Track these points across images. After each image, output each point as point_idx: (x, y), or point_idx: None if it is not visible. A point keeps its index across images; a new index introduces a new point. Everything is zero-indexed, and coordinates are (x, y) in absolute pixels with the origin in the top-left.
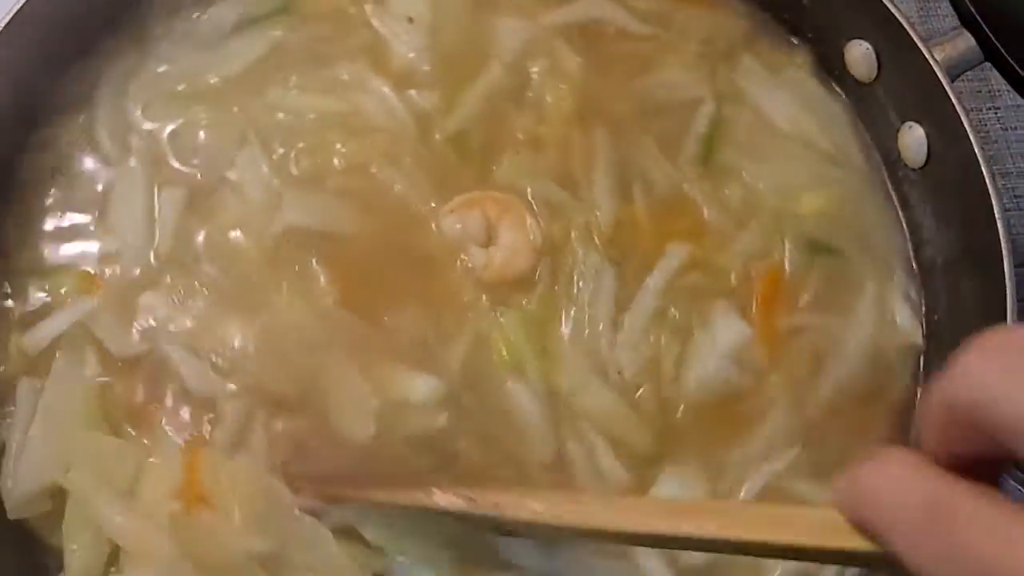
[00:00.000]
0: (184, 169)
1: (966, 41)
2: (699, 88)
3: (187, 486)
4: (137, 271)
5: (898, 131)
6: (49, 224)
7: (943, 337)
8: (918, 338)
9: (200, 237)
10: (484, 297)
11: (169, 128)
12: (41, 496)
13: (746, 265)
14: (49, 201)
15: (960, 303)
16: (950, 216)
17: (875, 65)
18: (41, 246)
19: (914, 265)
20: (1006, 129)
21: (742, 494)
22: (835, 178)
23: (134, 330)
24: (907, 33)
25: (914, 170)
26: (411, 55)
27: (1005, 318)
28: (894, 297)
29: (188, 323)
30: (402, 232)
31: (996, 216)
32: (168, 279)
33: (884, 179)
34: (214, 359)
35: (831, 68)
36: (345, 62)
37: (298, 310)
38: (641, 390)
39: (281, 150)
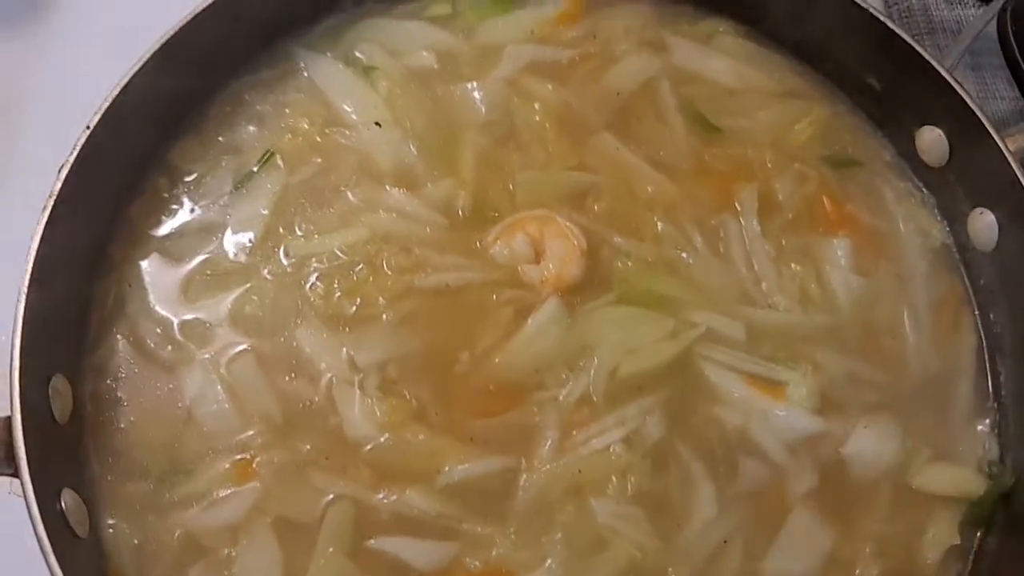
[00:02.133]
0: (248, 342)
1: None
2: (650, 67)
3: None
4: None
5: (968, 216)
6: None
7: None
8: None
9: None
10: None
11: (215, 309)
12: None
13: (797, 191)
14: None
15: None
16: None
17: (947, 151)
18: None
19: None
20: None
21: None
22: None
23: None
24: (980, 121)
25: (984, 253)
26: (397, 154)
27: None
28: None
29: None
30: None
31: None
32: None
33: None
34: None
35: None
36: (349, 188)
37: None
38: None
39: (332, 298)
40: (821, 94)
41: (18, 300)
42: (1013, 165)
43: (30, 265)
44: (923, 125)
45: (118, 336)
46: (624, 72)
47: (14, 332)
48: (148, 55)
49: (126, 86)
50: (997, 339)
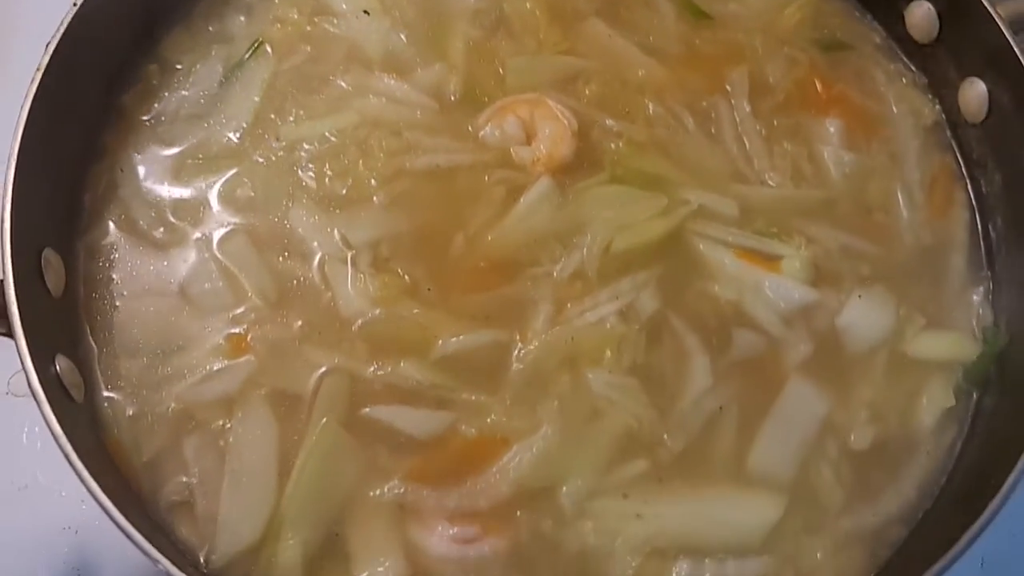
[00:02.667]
0: (240, 222)
1: None
2: None
3: None
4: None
5: (958, 88)
6: None
7: None
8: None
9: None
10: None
11: (207, 191)
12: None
13: (787, 75)
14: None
15: None
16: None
17: (936, 24)
18: None
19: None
20: None
21: None
22: None
23: None
24: None
25: (975, 126)
26: (386, 42)
27: None
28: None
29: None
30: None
31: None
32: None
33: None
34: None
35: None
36: (339, 75)
37: None
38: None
39: (323, 180)
40: None
41: (7, 167)
42: (1003, 29)
43: (19, 133)
44: (912, 1)
45: (111, 218)
46: None
47: (3, 197)
48: None
49: None
50: (990, 211)
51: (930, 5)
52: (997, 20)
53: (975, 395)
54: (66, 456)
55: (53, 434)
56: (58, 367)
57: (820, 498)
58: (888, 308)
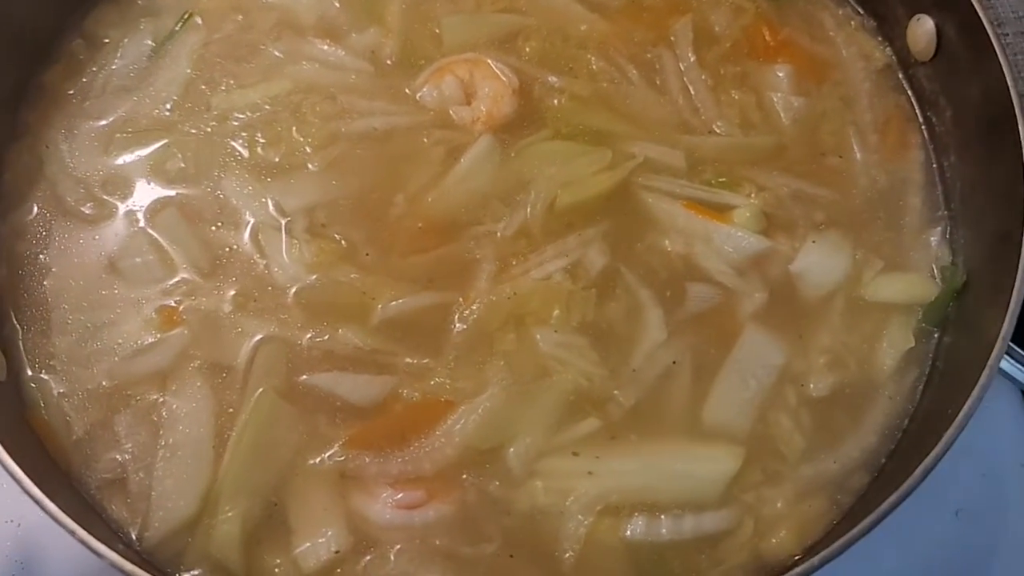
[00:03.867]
0: (171, 194)
1: None
2: None
3: None
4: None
5: (907, 27)
6: None
7: None
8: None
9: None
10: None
11: (137, 165)
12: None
13: (733, 23)
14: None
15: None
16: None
17: None
18: None
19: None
20: None
21: None
22: None
23: None
24: None
25: (924, 64)
26: (319, 8)
27: None
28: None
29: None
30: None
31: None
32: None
33: None
34: None
35: None
36: (270, 43)
37: None
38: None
39: (256, 148)
40: None
41: None
42: None
43: None
44: None
45: (37, 197)
46: None
47: None
48: None
49: None
50: (943, 148)
51: None
52: None
53: (935, 335)
54: None
55: None
56: None
57: (779, 447)
58: (844, 252)
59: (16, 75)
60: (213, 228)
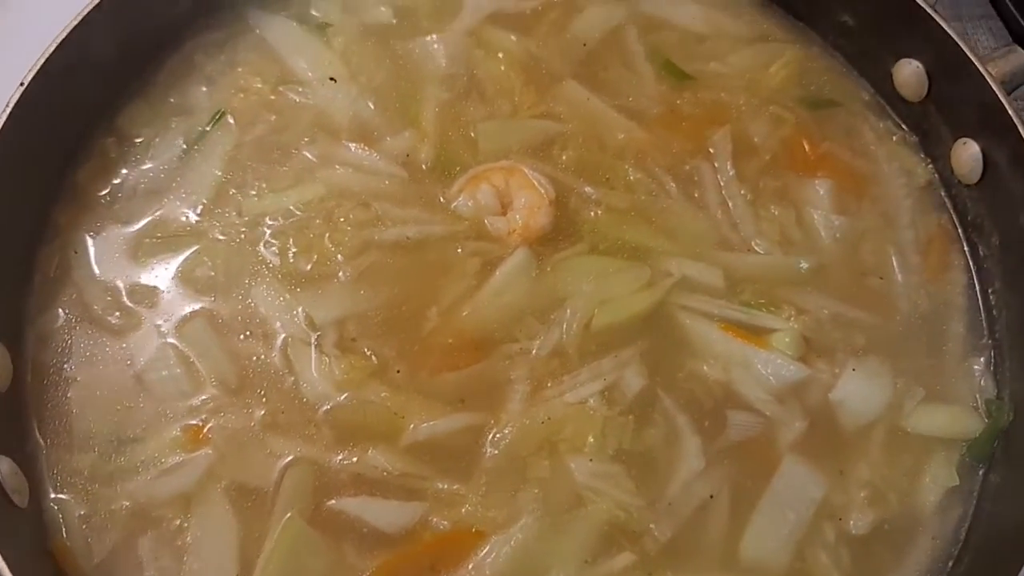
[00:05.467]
0: (200, 304)
1: (1019, 57)
2: (616, 14)
3: None
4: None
5: (951, 149)
6: None
7: None
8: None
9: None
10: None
11: (165, 272)
12: None
13: (772, 134)
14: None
15: None
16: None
17: (926, 83)
18: None
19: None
20: None
21: None
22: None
23: None
24: (961, 50)
25: (969, 187)
26: (354, 110)
27: None
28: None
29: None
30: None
31: None
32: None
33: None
34: None
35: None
36: (304, 145)
37: None
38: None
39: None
40: (794, 36)
41: None
42: (996, 90)
43: None
44: (900, 59)
45: (64, 303)
46: (589, 21)
47: None
48: (87, 11)
49: (63, 43)
50: (988, 274)
51: (918, 63)
52: (989, 80)
53: (980, 472)
54: None
55: None
56: (0, 472)
57: None
58: (884, 380)
59: (50, 173)
60: (242, 341)
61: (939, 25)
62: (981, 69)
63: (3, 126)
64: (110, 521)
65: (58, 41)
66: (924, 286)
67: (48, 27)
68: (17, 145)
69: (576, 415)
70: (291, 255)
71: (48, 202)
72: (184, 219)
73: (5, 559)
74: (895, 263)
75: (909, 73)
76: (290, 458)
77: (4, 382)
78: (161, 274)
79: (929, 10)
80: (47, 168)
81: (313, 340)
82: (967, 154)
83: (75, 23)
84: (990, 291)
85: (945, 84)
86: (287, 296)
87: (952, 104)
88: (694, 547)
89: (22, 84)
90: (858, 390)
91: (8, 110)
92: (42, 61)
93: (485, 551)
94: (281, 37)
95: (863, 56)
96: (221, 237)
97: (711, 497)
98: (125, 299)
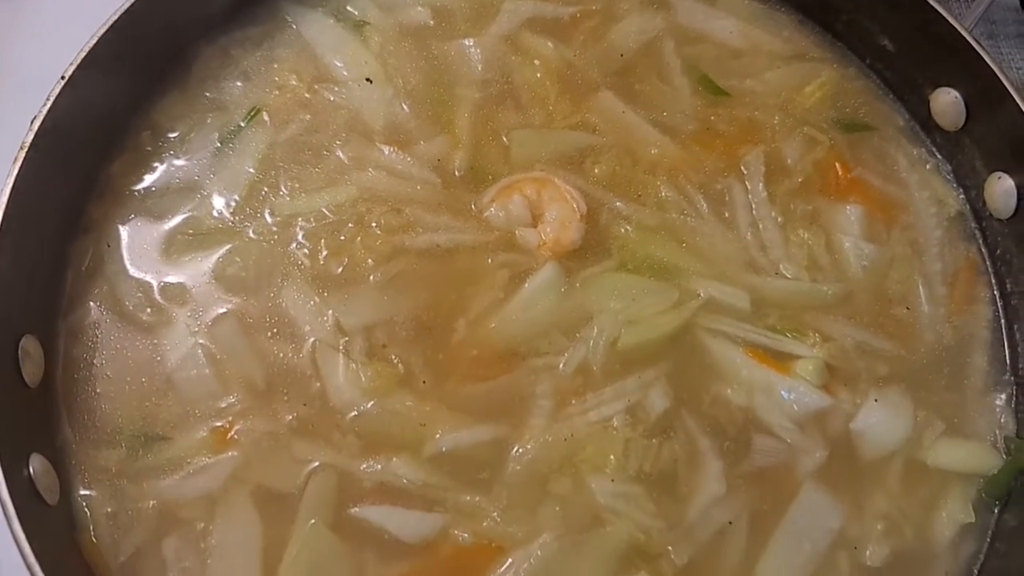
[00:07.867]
0: (230, 303)
1: None
2: (653, 26)
3: None
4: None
5: (985, 181)
6: None
7: None
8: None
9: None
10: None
11: (197, 269)
12: None
13: (805, 156)
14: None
15: None
16: None
17: (963, 113)
18: None
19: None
20: None
21: None
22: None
23: None
24: (1001, 83)
25: (1001, 221)
26: (388, 112)
27: None
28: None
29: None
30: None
31: None
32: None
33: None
34: None
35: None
36: (337, 146)
37: None
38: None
39: (318, 258)
40: (831, 56)
41: None
42: None
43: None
44: (938, 87)
45: (96, 297)
46: (626, 31)
47: None
48: (128, 3)
49: (103, 37)
50: (1015, 310)
51: (956, 93)
52: None
53: (996, 510)
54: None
55: (22, 553)
56: (32, 470)
57: None
58: (905, 412)
59: (87, 166)
60: (271, 342)
61: (980, 56)
62: (1021, 104)
63: (44, 118)
64: (136, 520)
65: (99, 34)
66: (949, 318)
67: (90, 20)
68: (56, 137)
69: (599, 434)
70: (322, 257)
71: (82, 194)
72: (217, 217)
73: (35, 553)
74: (922, 293)
75: (947, 102)
76: (315, 464)
77: (37, 376)
78: (192, 272)
79: (971, 40)
80: (84, 160)
81: (341, 345)
82: (1001, 188)
83: (115, 17)
84: (1015, 327)
85: (983, 116)
86: (317, 299)
87: (989, 136)
88: (709, 572)
89: (63, 78)
90: (879, 421)
91: (49, 103)
92: (83, 54)
93: (504, 568)
94: (318, 34)
95: (900, 81)
96: (253, 236)
97: (730, 523)
98: (156, 295)
